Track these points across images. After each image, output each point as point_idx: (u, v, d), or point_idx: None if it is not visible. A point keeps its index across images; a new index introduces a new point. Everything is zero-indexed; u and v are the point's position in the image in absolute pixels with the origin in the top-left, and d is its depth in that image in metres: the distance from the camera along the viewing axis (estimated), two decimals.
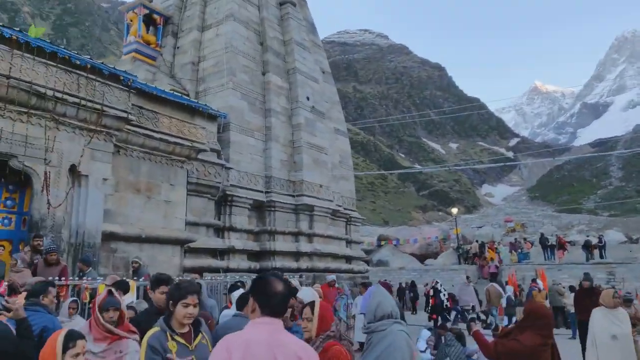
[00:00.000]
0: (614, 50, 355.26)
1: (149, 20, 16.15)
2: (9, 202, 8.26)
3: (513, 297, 16.33)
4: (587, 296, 8.49)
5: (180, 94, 13.50)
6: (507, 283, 18.35)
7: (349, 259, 17.83)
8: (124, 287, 5.49)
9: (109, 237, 9.68)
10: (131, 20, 15.76)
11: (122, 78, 9.28)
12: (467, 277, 17.91)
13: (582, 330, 8.35)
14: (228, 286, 7.10)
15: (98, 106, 8.78)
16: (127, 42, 15.69)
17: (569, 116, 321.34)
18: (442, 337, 8.99)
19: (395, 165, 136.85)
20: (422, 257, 30.13)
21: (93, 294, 6.22)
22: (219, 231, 13.79)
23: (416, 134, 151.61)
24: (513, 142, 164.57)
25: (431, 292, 18.13)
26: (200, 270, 12.22)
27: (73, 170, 8.67)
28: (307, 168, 16.05)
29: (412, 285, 21.72)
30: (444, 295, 17.16)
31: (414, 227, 42.59)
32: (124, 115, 9.27)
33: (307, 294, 4.40)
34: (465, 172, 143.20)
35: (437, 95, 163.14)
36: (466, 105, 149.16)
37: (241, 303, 4.33)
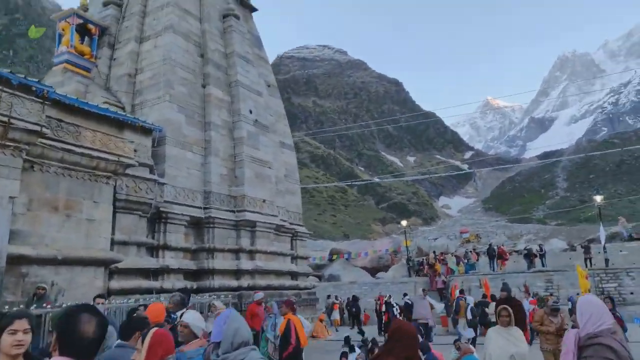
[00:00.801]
0: (557, 68, 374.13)
1: (83, 31, 15.46)
2: None
3: (475, 308, 16.06)
4: None
5: (109, 107, 12.88)
6: (450, 294, 18.31)
7: (294, 275, 17.43)
8: None
9: (18, 260, 8.94)
10: (63, 30, 15.03)
11: (34, 89, 8.68)
12: (423, 290, 17.57)
13: None
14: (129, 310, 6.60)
15: (4, 118, 8.15)
16: (59, 52, 14.93)
17: (518, 130, 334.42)
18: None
19: (355, 178, 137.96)
20: (373, 270, 30.03)
21: None
22: (153, 250, 13.14)
23: (375, 148, 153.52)
24: (468, 154, 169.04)
25: (383, 308, 17.80)
26: (130, 292, 11.56)
27: None
28: (249, 182, 15.63)
29: (354, 300, 21.39)
30: (396, 309, 16.92)
31: (366, 240, 42.63)
32: (37, 128, 8.64)
33: (192, 317, 4.01)
34: (422, 184, 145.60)
35: (394, 109, 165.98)
36: (419, 117, 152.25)
37: (126, 332, 3.91)
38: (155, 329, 2.89)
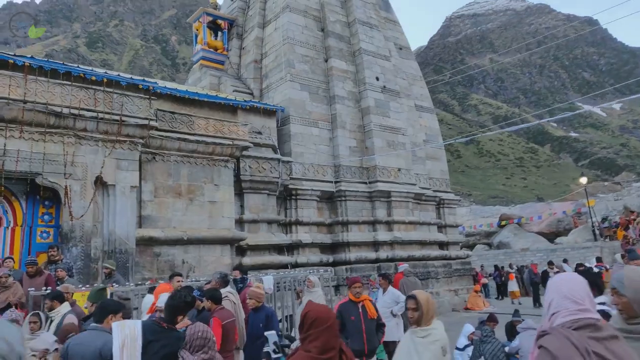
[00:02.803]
0: None
1: (215, 27, 16.60)
2: (46, 217, 8.98)
3: None
4: None
5: (237, 95, 13.57)
6: None
7: (442, 245, 16.42)
8: (59, 298, 5.49)
9: (149, 241, 10.05)
10: (197, 30, 16.35)
11: (141, 87, 9.52)
12: (623, 256, 14.53)
13: None
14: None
15: (117, 117, 9.11)
16: (195, 51, 16.31)
17: None
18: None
19: (546, 137, 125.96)
20: (551, 235, 26.55)
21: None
22: (286, 226, 13.59)
23: (568, 99, 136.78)
24: None
25: None
26: (263, 267, 12.14)
27: (100, 181, 9.12)
28: (380, 152, 15.08)
29: (497, 270, 19.36)
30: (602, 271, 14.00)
31: (541, 202, 38.19)
32: (145, 122, 9.50)
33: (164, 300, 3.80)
34: (634, 134, 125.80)
35: (589, 52, 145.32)
36: (625, 56, 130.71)
37: (102, 312, 3.87)
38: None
